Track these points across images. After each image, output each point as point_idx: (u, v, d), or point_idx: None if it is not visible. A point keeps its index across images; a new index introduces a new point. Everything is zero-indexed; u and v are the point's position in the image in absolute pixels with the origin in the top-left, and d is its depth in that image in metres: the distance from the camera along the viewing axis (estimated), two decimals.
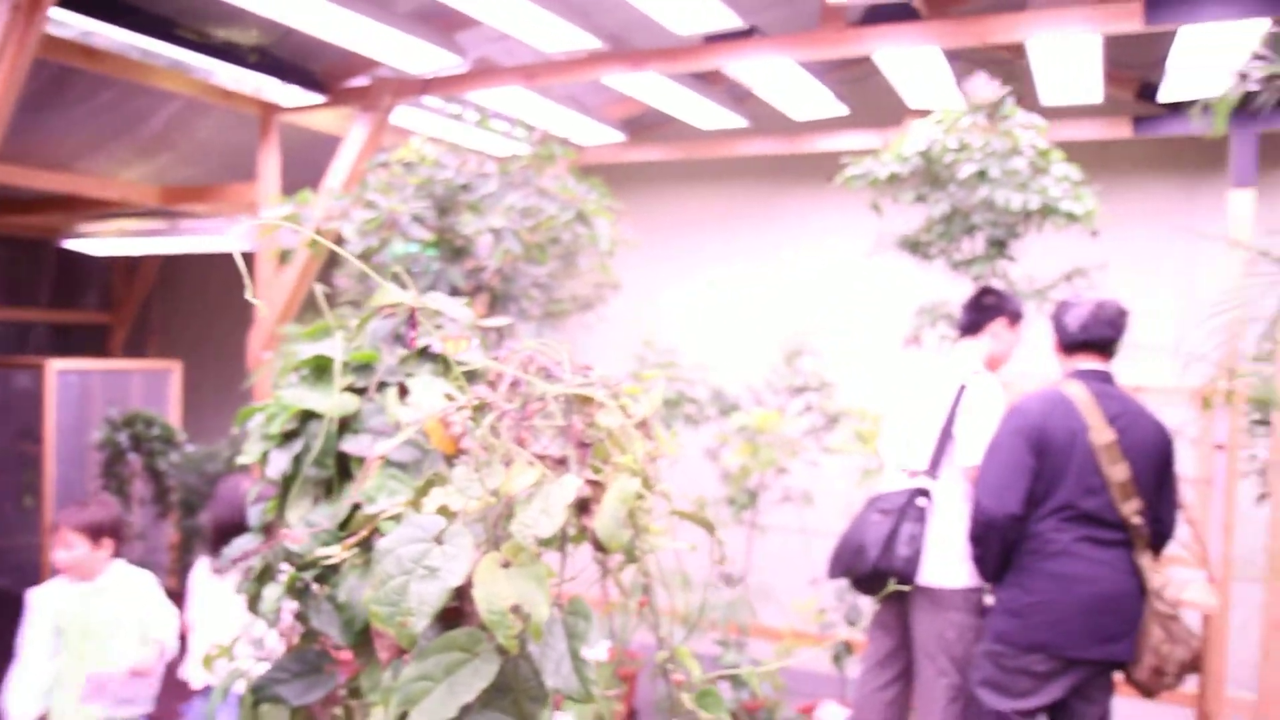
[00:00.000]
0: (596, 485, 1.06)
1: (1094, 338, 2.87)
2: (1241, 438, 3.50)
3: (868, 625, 3.37)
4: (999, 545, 2.80)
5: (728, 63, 3.98)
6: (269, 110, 4.75)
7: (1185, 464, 3.64)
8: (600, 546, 1.06)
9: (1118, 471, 2.70)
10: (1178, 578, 3.00)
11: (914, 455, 3.14)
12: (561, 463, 1.08)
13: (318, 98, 4.60)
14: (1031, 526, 2.78)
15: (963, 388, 3.07)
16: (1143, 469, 2.73)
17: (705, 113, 5.00)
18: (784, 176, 5.71)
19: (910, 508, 3.02)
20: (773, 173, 5.75)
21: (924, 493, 3.04)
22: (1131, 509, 2.70)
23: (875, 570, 3.00)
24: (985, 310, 3.24)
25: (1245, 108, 3.21)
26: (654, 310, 5.89)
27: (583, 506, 1.07)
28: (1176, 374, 3.01)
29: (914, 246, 3.79)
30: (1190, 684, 3.53)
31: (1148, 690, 2.81)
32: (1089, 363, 2.88)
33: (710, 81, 4.90)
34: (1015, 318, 3.26)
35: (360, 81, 4.60)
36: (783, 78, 4.31)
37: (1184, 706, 4.05)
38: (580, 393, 1.10)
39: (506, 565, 1.00)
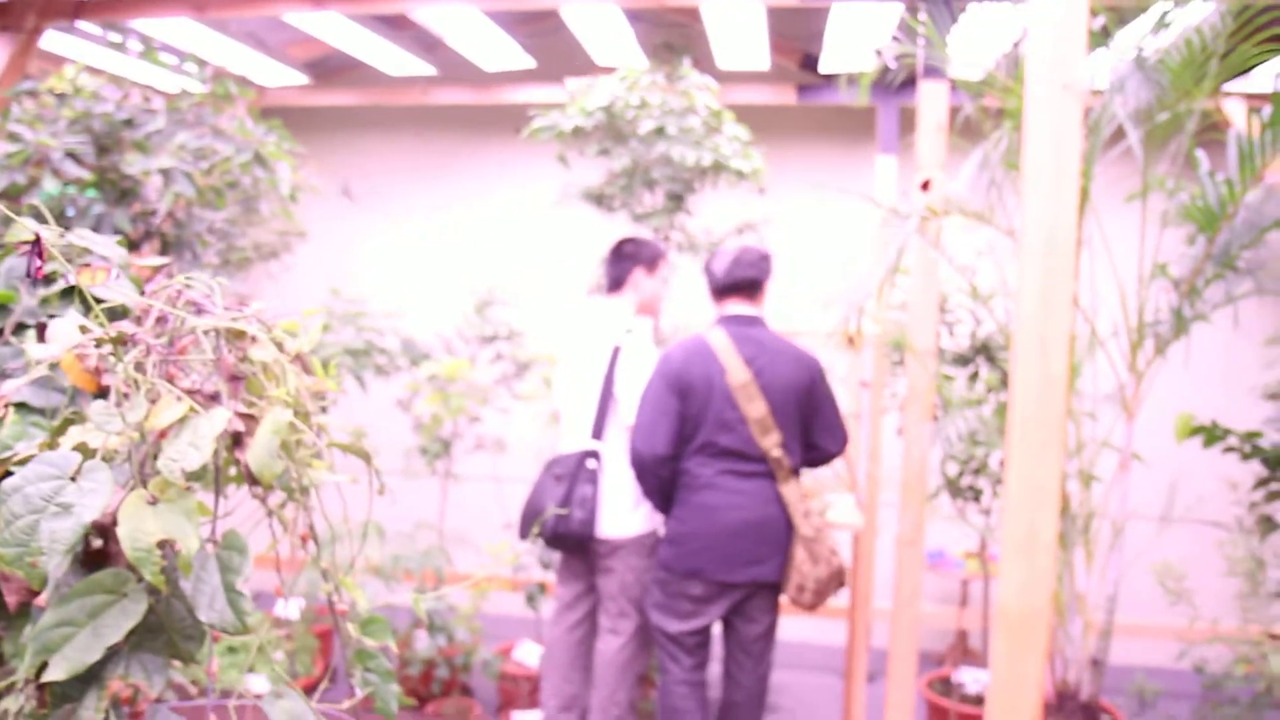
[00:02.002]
0: (249, 419, 1.05)
1: (738, 279, 3.07)
2: (886, 377, 3.95)
3: (557, 570, 3.52)
4: (655, 482, 3.03)
5: (413, 7, 3.91)
6: None
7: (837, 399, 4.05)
8: (255, 480, 1.06)
9: (754, 409, 2.93)
10: (828, 501, 3.34)
11: (580, 417, 3.29)
12: (213, 398, 1.06)
13: None
14: (683, 464, 3.01)
15: (617, 349, 3.21)
16: (781, 405, 2.97)
17: (393, 58, 4.88)
18: (476, 127, 5.70)
19: (581, 471, 3.18)
20: (465, 123, 5.72)
21: (593, 454, 3.20)
22: (771, 442, 2.95)
23: (555, 534, 3.17)
24: (624, 260, 3.33)
25: (888, 82, 3.60)
26: (345, 260, 5.72)
27: (236, 440, 1.06)
28: (830, 319, 3.34)
29: (598, 199, 3.93)
30: (843, 598, 3.96)
31: (802, 606, 3.12)
32: (736, 306, 3.08)
33: (398, 26, 4.78)
34: (652, 263, 3.35)
35: None
36: (471, 27, 4.29)
37: (840, 619, 4.55)
38: (232, 326, 1.08)
39: (154, 502, 0.98)
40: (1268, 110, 2.56)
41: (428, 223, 5.79)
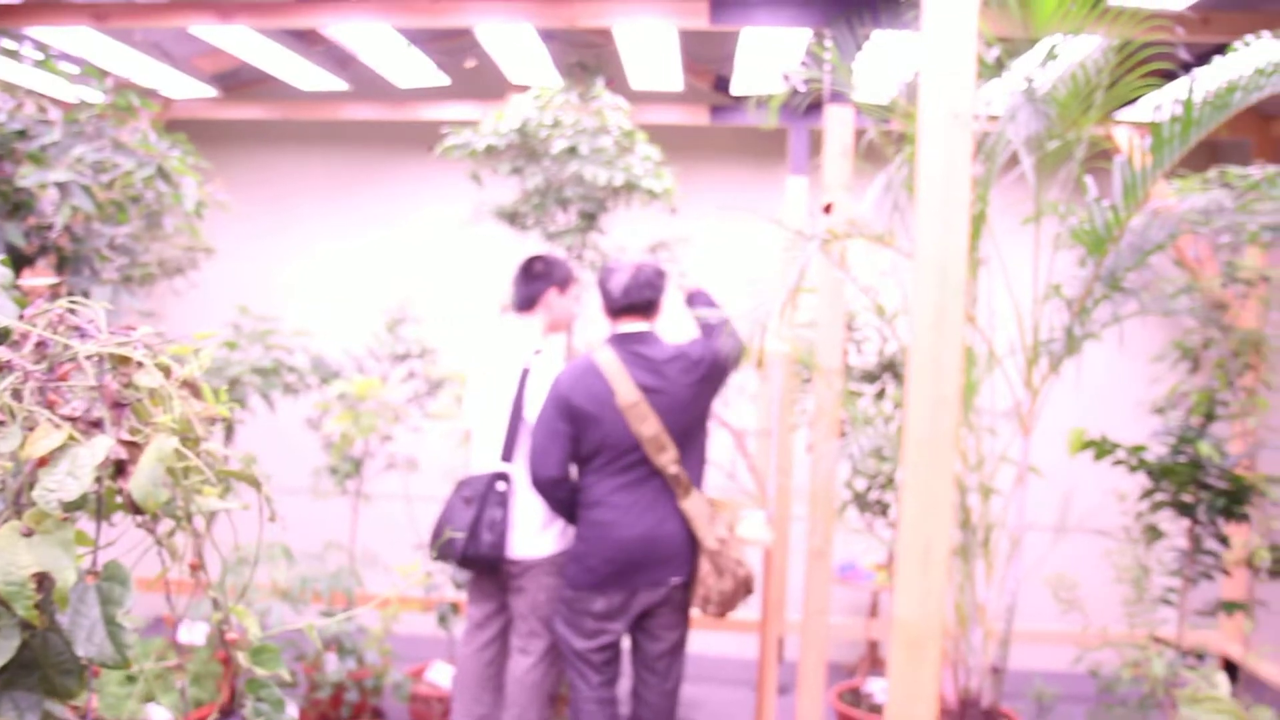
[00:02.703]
0: (134, 446, 1.04)
1: (635, 300, 3.07)
2: (796, 394, 4.01)
3: (468, 590, 3.50)
4: (554, 501, 3.07)
5: (323, 22, 3.88)
6: None
7: (747, 417, 4.11)
8: (138, 509, 1.04)
9: (647, 428, 2.95)
10: (739, 515, 3.38)
11: (490, 438, 3.28)
12: (95, 425, 1.05)
13: None
14: (582, 482, 3.05)
15: (526, 370, 3.20)
16: (676, 421, 3.00)
17: (304, 73, 4.82)
18: (390, 143, 5.66)
19: (491, 493, 3.17)
20: (378, 139, 5.67)
21: (503, 476, 3.20)
22: (667, 460, 2.98)
23: (465, 557, 3.16)
24: (535, 280, 3.32)
25: (795, 106, 3.68)
26: (255, 277, 5.61)
27: (120, 468, 1.04)
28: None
29: (511, 217, 3.94)
30: (755, 612, 4.01)
31: (709, 615, 3.14)
32: (632, 325, 3.09)
33: (310, 41, 4.73)
34: (564, 283, 3.36)
35: None
36: (383, 43, 4.27)
37: (755, 633, 4.60)
38: (115, 352, 1.06)
39: (29, 534, 0.96)
40: (1150, 140, 2.69)
41: (340, 239, 5.72)
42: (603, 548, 2.99)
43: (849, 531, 3.86)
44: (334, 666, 3.92)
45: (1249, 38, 2.54)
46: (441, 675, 4.14)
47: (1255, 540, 2.92)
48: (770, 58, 4.20)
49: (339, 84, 5.00)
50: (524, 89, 4.22)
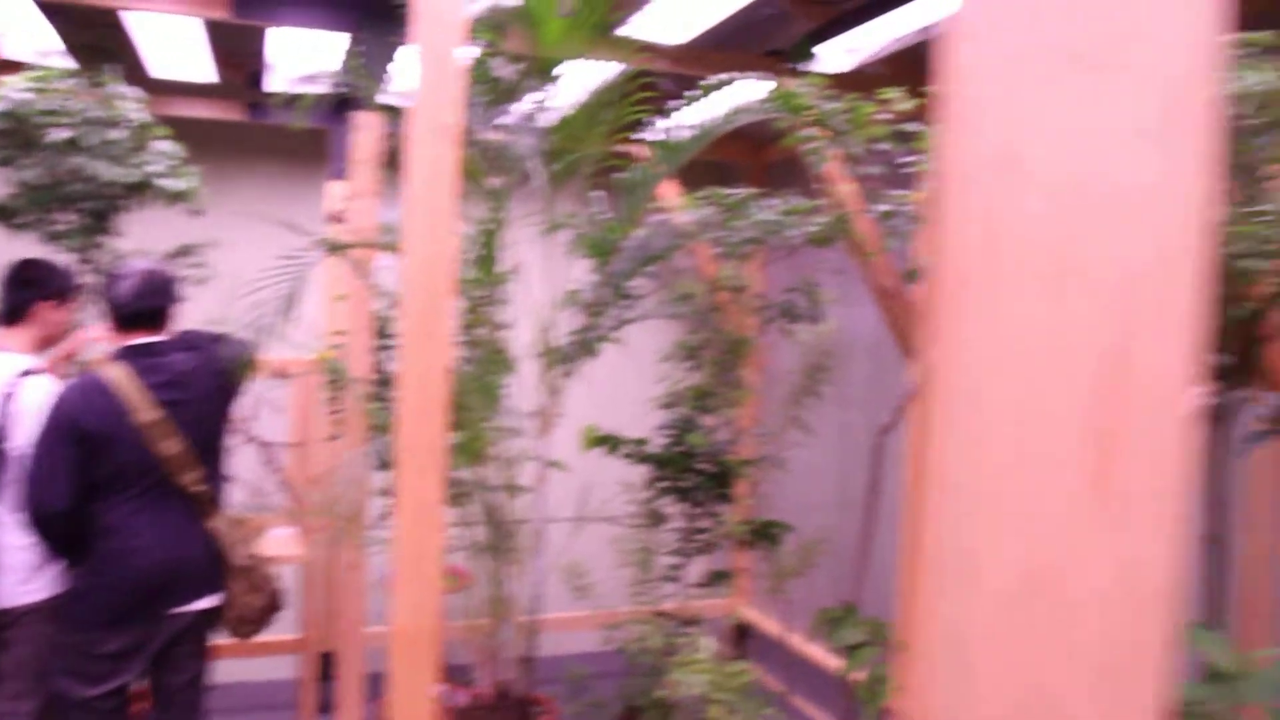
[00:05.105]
0: None
1: (148, 308, 2.82)
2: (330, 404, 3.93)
3: None
4: (57, 537, 2.74)
5: None
6: None
7: (276, 429, 3.98)
8: None
9: (169, 447, 2.74)
10: (264, 533, 3.25)
11: None
12: None
13: None
14: (91, 510, 2.73)
15: (8, 395, 2.85)
16: (198, 437, 2.82)
17: None
18: None
19: None
20: None
21: None
22: (191, 479, 2.79)
23: None
24: (24, 289, 2.99)
25: (324, 108, 3.62)
26: None
27: None
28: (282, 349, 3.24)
29: (3, 214, 3.49)
30: (294, 631, 3.89)
31: (242, 637, 3.00)
32: (142, 336, 2.83)
33: None
34: (62, 295, 3.06)
35: None
36: None
37: (293, 654, 4.44)
38: None
39: None
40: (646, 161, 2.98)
41: None
42: (119, 580, 2.72)
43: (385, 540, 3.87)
44: None
45: (723, 77, 2.88)
46: None
47: (734, 516, 3.33)
48: (305, 58, 4.10)
49: None
50: (18, 67, 3.75)
